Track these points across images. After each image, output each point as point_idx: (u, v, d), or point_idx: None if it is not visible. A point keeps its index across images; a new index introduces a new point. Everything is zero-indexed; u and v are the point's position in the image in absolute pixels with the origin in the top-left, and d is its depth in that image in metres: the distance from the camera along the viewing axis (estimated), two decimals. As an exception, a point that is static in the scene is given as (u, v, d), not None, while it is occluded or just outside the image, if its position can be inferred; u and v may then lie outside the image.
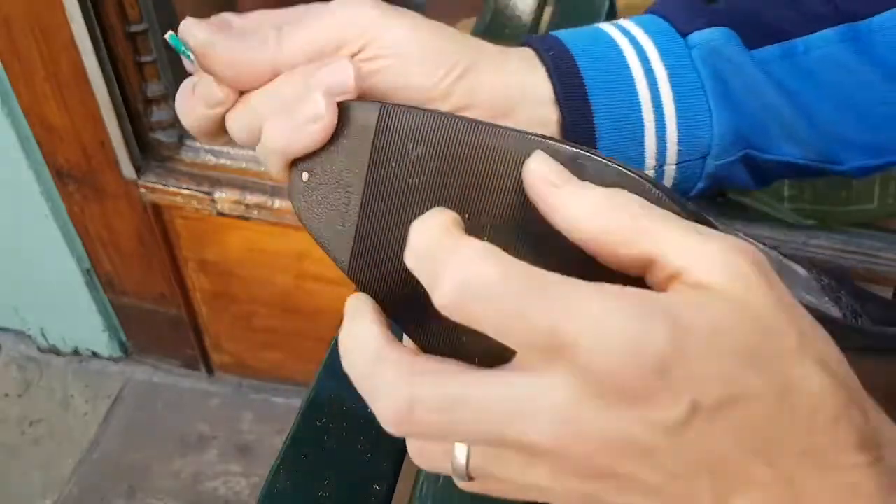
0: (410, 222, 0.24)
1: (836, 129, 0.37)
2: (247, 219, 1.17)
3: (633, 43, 0.36)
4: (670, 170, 0.36)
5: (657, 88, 0.35)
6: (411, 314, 0.28)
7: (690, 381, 0.21)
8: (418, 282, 0.23)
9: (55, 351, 1.55)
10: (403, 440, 0.40)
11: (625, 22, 0.37)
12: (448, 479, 0.39)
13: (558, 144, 0.26)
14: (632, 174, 0.25)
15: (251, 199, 1.15)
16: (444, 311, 0.22)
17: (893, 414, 0.26)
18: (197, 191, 1.17)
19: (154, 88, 1.13)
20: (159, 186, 1.18)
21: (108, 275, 1.38)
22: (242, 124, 0.32)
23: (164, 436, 1.43)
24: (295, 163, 0.30)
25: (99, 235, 1.30)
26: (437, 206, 0.24)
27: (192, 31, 0.30)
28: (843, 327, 0.29)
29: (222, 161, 1.18)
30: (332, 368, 0.43)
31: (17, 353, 1.56)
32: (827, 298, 0.30)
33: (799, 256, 0.34)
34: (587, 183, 0.25)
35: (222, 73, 0.31)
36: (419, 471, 0.40)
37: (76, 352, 1.54)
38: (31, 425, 1.46)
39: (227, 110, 0.32)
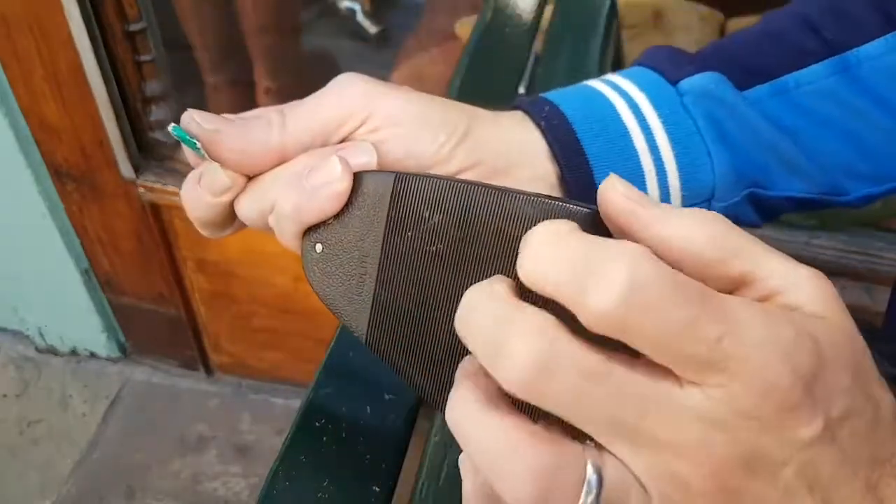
0: (429, 288, 0.26)
1: (837, 160, 0.38)
2: (246, 218, 1.17)
3: (624, 96, 0.36)
4: None
5: (653, 137, 0.35)
6: (433, 383, 0.28)
7: (825, 396, 0.21)
8: (440, 348, 0.23)
9: (53, 351, 1.55)
10: (404, 442, 0.39)
11: (614, 77, 0.38)
12: (448, 479, 0.39)
13: (573, 206, 0.26)
14: None
15: (250, 198, 1.15)
16: (605, 319, 0.20)
17: None
18: (196, 190, 1.17)
19: (153, 88, 1.12)
20: (158, 186, 1.18)
21: (106, 275, 1.38)
22: (253, 206, 0.33)
23: (163, 436, 1.43)
24: (308, 234, 0.31)
25: (97, 235, 1.30)
26: (457, 270, 0.25)
27: (197, 120, 0.31)
28: None
29: (221, 160, 1.18)
30: (332, 368, 0.42)
31: (15, 354, 1.55)
32: None
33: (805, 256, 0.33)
34: (665, 205, 0.24)
35: (229, 159, 0.31)
36: (419, 471, 0.40)
37: (74, 352, 1.54)
38: (30, 426, 1.46)
39: (236, 196, 0.33)
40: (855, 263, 1.05)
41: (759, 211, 0.39)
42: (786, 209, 0.39)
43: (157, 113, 1.15)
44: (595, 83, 0.38)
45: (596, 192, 0.32)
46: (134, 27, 1.05)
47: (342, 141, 0.32)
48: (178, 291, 1.36)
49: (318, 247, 0.31)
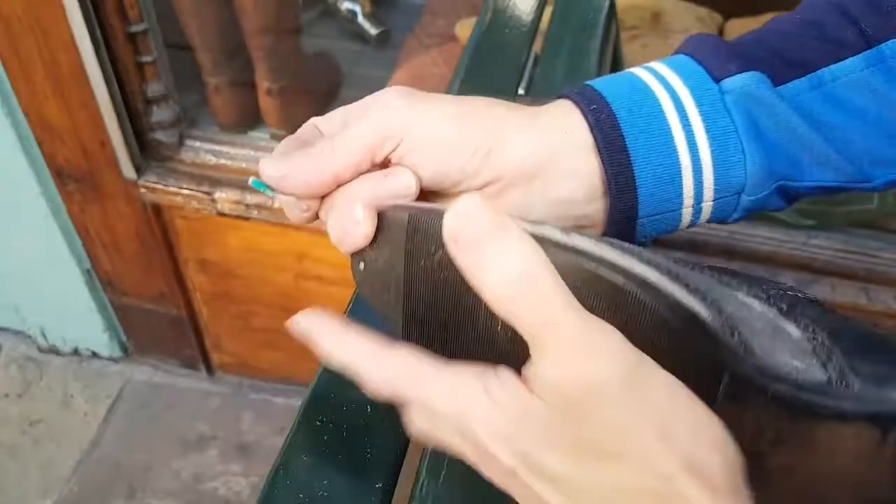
0: (445, 308, 0.32)
1: (868, 151, 0.39)
2: (247, 219, 1.18)
3: (668, 90, 0.37)
4: (706, 206, 0.38)
5: (693, 135, 0.37)
6: None
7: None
8: (462, 351, 0.28)
9: (55, 351, 1.55)
10: (405, 440, 0.40)
11: (659, 67, 0.39)
12: (448, 477, 0.39)
13: (555, 249, 0.30)
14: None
15: (251, 199, 1.15)
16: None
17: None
18: (197, 191, 1.17)
19: (154, 88, 1.13)
20: (159, 186, 1.18)
21: (107, 275, 1.38)
22: (327, 219, 0.38)
23: (164, 436, 1.43)
24: (354, 253, 0.36)
25: (99, 235, 1.31)
26: (466, 293, 0.29)
27: (266, 171, 0.35)
28: (826, 392, 0.30)
29: (222, 161, 1.18)
30: (333, 368, 0.43)
31: (17, 353, 1.56)
32: (815, 361, 0.31)
33: (810, 297, 0.34)
34: (512, 235, 0.26)
35: (298, 194, 0.36)
36: (419, 471, 0.40)
37: (76, 352, 1.54)
38: (31, 425, 1.46)
39: (317, 210, 0.37)
40: (852, 264, 1.05)
41: (784, 198, 0.40)
42: (811, 195, 0.41)
43: (158, 113, 1.15)
44: (642, 73, 0.39)
45: (635, 188, 0.36)
46: (135, 28, 1.05)
47: (385, 158, 0.36)
48: (180, 291, 1.36)
49: (361, 265, 0.36)
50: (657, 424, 0.25)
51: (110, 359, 1.54)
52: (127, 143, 1.14)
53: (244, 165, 1.18)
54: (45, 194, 1.24)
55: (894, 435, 0.30)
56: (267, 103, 1.17)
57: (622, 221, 0.37)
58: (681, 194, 0.37)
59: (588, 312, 0.26)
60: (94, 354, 1.54)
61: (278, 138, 1.19)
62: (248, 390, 1.50)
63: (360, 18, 1.38)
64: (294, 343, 0.35)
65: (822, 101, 0.38)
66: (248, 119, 1.21)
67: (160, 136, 1.17)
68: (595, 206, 0.37)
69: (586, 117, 0.37)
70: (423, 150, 0.35)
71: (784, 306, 0.32)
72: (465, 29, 1.26)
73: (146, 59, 1.09)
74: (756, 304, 0.32)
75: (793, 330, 0.31)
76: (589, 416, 0.25)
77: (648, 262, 0.32)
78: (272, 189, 0.36)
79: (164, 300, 1.38)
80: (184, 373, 1.52)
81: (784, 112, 0.37)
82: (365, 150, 0.35)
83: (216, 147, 1.19)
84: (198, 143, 1.19)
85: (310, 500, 0.37)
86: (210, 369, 1.52)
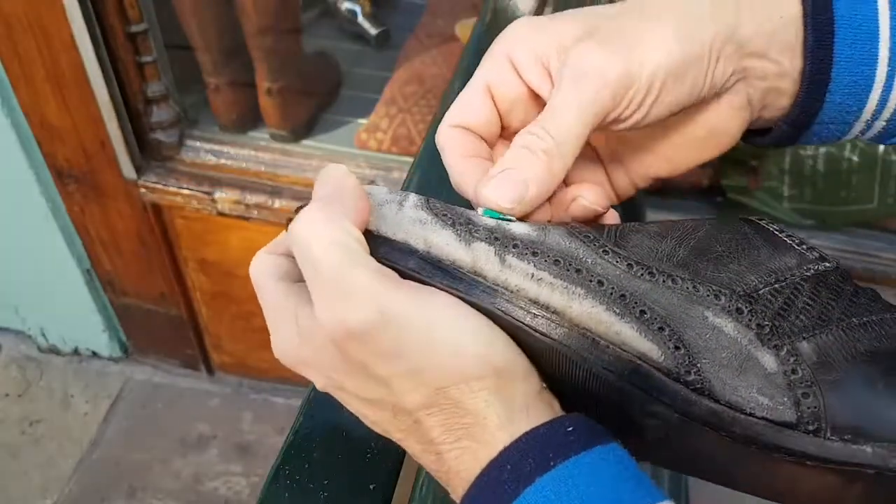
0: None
1: None
2: (247, 219, 1.18)
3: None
4: (879, 125, 0.36)
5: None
6: None
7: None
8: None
9: (55, 351, 1.55)
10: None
11: None
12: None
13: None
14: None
15: (251, 199, 1.15)
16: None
17: None
18: (197, 191, 1.17)
19: (154, 88, 1.13)
20: (159, 186, 1.18)
21: (108, 275, 1.38)
22: None
23: (165, 435, 1.43)
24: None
25: (99, 235, 1.31)
26: None
27: (498, 203, 0.32)
28: (790, 435, 0.28)
29: (222, 161, 1.18)
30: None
31: (17, 353, 1.56)
32: (787, 398, 0.28)
33: (840, 271, 0.32)
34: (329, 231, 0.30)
35: (542, 199, 0.33)
36: (419, 471, 0.40)
37: (76, 352, 1.54)
38: (32, 425, 1.46)
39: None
40: (853, 264, 1.05)
41: None
42: None
43: (158, 114, 1.15)
44: None
45: (826, 90, 0.33)
46: (135, 28, 1.05)
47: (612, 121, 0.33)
48: (180, 291, 1.36)
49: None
50: (404, 363, 0.29)
51: (110, 359, 1.54)
52: (127, 143, 1.14)
53: (244, 165, 1.18)
54: (45, 194, 1.24)
55: (861, 483, 0.28)
56: (267, 103, 1.17)
57: (798, 124, 0.35)
58: (861, 109, 0.34)
59: (358, 262, 0.29)
60: (94, 354, 1.54)
61: (278, 138, 1.19)
62: (248, 390, 1.50)
63: (360, 18, 1.38)
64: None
65: None
66: (248, 119, 1.21)
67: (160, 136, 1.17)
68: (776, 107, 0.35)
69: (805, 8, 0.33)
70: (654, 95, 0.32)
71: (767, 326, 0.29)
72: (465, 29, 1.26)
73: (146, 59, 1.09)
74: (729, 328, 0.29)
75: (768, 360, 0.29)
76: (351, 351, 0.29)
77: (599, 290, 0.30)
78: (509, 215, 0.32)
79: (164, 300, 1.38)
80: (184, 373, 1.52)
81: None
82: (586, 134, 0.32)
83: (216, 147, 1.19)
84: (198, 143, 1.19)
85: (310, 501, 0.37)
86: (210, 369, 1.52)
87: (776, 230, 0.32)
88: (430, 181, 0.52)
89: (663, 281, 0.30)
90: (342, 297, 0.28)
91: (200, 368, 1.51)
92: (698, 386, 0.29)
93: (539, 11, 0.77)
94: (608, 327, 0.29)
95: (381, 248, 0.30)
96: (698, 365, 0.29)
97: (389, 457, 0.38)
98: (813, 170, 1.05)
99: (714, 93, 0.33)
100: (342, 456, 0.39)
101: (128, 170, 1.17)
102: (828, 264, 0.31)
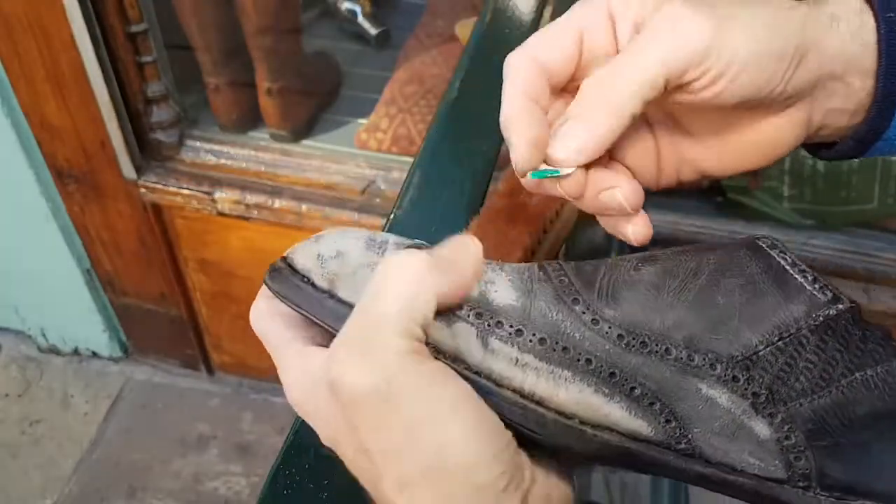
0: None
1: None
2: (247, 219, 1.17)
3: None
4: None
5: None
6: None
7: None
8: None
9: (55, 351, 1.55)
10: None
11: None
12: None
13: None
14: None
15: (251, 199, 1.15)
16: None
17: None
18: (197, 191, 1.17)
19: (154, 88, 1.13)
20: (159, 186, 1.18)
21: (108, 275, 1.38)
22: None
23: (165, 435, 1.43)
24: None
25: (99, 235, 1.31)
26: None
27: (560, 156, 0.33)
28: (778, 489, 0.28)
29: (222, 161, 1.18)
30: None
31: (17, 353, 1.56)
32: (779, 461, 0.28)
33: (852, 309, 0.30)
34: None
35: (599, 152, 0.33)
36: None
37: (76, 352, 1.54)
38: (32, 425, 1.46)
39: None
40: (853, 264, 1.05)
41: None
42: None
43: (158, 114, 1.15)
44: None
45: (894, 111, 0.33)
46: (135, 28, 1.05)
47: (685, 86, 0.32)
48: (180, 291, 1.36)
49: None
50: (393, 441, 0.27)
51: (110, 359, 1.54)
52: (127, 143, 1.14)
53: (244, 165, 1.18)
54: (45, 194, 1.24)
55: None
56: (267, 103, 1.17)
57: (866, 140, 0.35)
58: None
59: (407, 331, 0.27)
60: (94, 354, 1.54)
61: (278, 138, 1.19)
62: (248, 390, 1.50)
63: (360, 18, 1.38)
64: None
65: None
66: (248, 119, 1.21)
67: (160, 136, 1.17)
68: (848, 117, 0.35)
69: (879, 31, 0.33)
70: (730, 75, 0.31)
71: (763, 394, 0.28)
72: (465, 29, 1.26)
73: (146, 59, 1.09)
74: (723, 399, 0.28)
75: (761, 429, 0.28)
76: (351, 415, 0.27)
77: (587, 369, 0.29)
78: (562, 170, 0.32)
79: (164, 300, 1.39)
80: (184, 373, 1.52)
81: None
82: (652, 86, 0.31)
83: (216, 147, 1.19)
84: (198, 143, 1.19)
85: (310, 501, 0.37)
86: (210, 369, 1.52)
87: (788, 265, 0.30)
88: (431, 181, 0.52)
89: (656, 352, 0.29)
90: (364, 351, 0.27)
91: (200, 368, 1.51)
92: (689, 452, 0.28)
93: (540, 11, 0.77)
94: (596, 410, 0.28)
95: None
96: (689, 435, 0.28)
97: (389, 457, 0.38)
98: (813, 170, 1.05)
99: (784, 98, 0.33)
100: (342, 456, 0.39)
101: (128, 170, 1.17)
102: (841, 306, 0.29)
